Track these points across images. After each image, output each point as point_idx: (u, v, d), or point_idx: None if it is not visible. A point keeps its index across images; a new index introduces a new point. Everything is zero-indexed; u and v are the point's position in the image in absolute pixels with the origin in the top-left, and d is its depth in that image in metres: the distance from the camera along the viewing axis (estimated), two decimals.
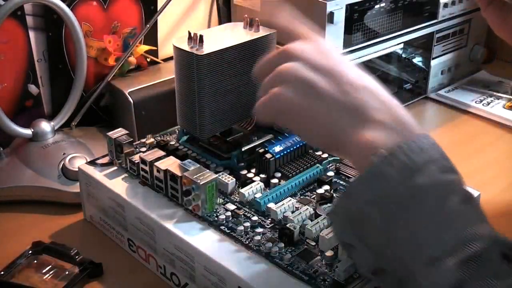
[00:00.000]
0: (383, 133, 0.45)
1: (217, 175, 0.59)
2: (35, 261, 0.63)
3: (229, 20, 1.01)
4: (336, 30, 0.83)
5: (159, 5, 0.89)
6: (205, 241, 0.57)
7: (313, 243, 0.55)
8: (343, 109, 0.47)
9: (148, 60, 0.91)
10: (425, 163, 0.42)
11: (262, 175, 0.64)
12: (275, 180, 0.63)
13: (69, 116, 0.82)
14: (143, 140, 0.71)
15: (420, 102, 1.03)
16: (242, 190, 0.61)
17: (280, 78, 0.50)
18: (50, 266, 0.62)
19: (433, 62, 1.02)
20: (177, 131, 0.73)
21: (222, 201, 0.61)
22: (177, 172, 0.60)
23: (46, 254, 0.64)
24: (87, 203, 0.70)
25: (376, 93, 0.48)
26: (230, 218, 0.59)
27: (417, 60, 1.00)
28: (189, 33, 0.64)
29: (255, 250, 0.55)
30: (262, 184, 0.62)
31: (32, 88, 0.83)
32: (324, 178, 0.64)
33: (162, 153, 0.64)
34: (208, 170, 0.60)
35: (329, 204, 0.59)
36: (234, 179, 0.63)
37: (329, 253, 0.53)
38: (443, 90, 1.05)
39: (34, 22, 0.81)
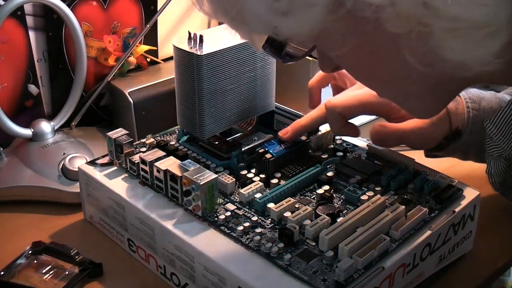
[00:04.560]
0: None
1: (217, 175, 0.59)
2: (35, 261, 0.63)
3: None
4: None
5: (159, 5, 0.90)
6: (205, 241, 0.57)
7: (313, 243, 0.55)
8: None
9: (148, 60, 0.91)
10: None
11: (262, 175, 0.64)
12: (275, 180, 0.63)
13: (69, 116, 0.82)
14: (143, 140, 0.71)
15: None
16: (242, 190, 0.61)
17: None
18: (50, 266, 0.62)
19: None
20: (177, 131, 0.73)
21: (222, 201, 0.61)
22: (177, 172, 0.60)
23: (46, 254, 0.64)
24: (87, 203, 0.70)
25: None
26: (230, 218, 0.59)
27: None
28: (189, 33, 0.64)
29: (255, 250, 0.55)
30: (262, 184, 0.62)
31: (32, 88, 0.83)
32: (324, 178, 0.64)
33: (162, 153, 0.64)
34: (208, 170, 0.60)
35: (329, 204, 0.59)
36: (234, 179, 0.63)
37: (329, 253, 0.53)
38: None
39: (34, 22, 0.81)
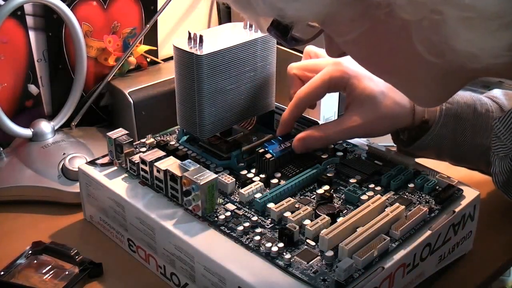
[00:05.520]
0: None
1: (217, 175, 0.59)
2: (35, 261, 0.63)
3: (229, 20, 1.01)
4: None
5: (159, 5, 0.90)
6: (205, 241, 0.57)
7: (313, 243, 0.55)
8: None
9: (148, 60, 0.91)
10: None
11: (262, 175, 0.64)
12: (275, 180, 0.63)
13: (69, 116, 0.82)
14: (143, 140, 0.71)
15: None
16: (242, 190, 0.61)
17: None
18: (50, 266, 0.62)
19: None
20: (177, 131, 0.73)
21: (222, 201, 0.61)
22: (177, 172, 0.60)
23: (46, 254, 0.64)
24: (87, 203, 0.70)
25: None
26: (230, 218, 0.59)
27: None
28: (189, 33, 0.64)
29: (255, 250, 0.55)
30: (262, 184, 0.62)
31: (32, 88, 0.83)
32: (324, 178, 0.64)
33: (162, 153, 0.64)
34: (208, 170, 0.60)
35: (329, 204, 0.59)
36: (234, 179, 0.63)
37: (329, 253, 0.53)
38: None
39: (34, 22, 0.81)
